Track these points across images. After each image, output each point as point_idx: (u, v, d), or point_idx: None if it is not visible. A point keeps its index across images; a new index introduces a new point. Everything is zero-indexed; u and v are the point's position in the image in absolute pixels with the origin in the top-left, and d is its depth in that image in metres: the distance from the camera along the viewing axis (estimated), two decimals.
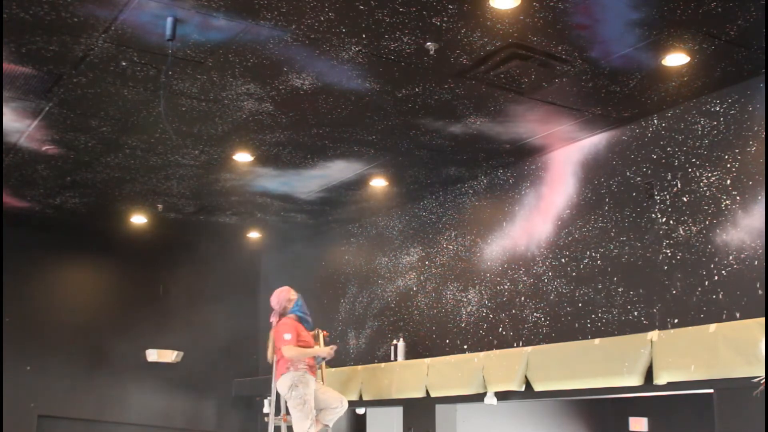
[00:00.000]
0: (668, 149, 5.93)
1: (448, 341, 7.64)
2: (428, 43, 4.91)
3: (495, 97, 5.77)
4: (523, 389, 5.88)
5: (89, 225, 9.26)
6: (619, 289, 6.12)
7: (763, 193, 5.26)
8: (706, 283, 5.53)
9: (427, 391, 6.75)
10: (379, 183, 7.80)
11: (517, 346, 6.80)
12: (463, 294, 7.59)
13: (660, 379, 4.96)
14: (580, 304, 6.42)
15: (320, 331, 7.20)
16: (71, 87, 5.60)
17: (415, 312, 8.15)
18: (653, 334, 5.06)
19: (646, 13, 4.57)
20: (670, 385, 4.94)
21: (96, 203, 8.48)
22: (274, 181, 7.78)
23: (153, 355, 9.07)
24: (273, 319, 6.77)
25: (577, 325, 6.39)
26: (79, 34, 4.82)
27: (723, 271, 5.44)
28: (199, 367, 10.08)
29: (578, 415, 7.69)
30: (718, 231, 5.51)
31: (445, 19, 4.62)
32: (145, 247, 9.97)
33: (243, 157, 7.04)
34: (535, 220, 6.98)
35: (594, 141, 6.52)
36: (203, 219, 9.17)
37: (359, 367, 7.82)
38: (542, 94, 5.71)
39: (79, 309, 9.72)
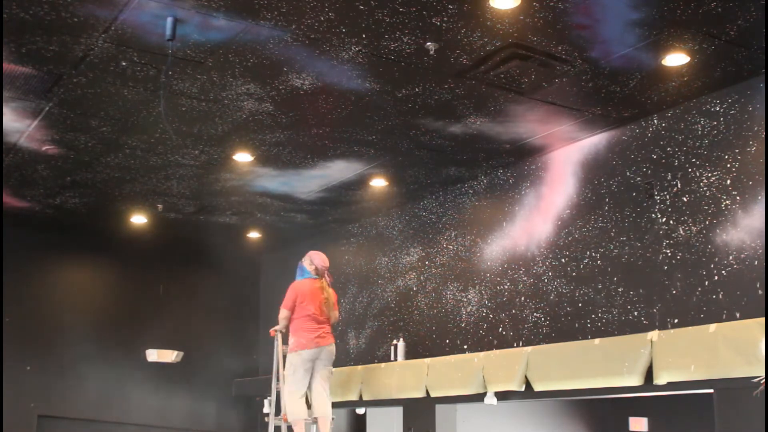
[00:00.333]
0: (668, 149, 5.93)
1: (448, 341, 7.64)
2: (428, 43, 4.91)
3: (495, 97, 5.77)
4: (523, 389, 5.87)
5: (89, 225, 9.27)
6: (619, 289, 6.12)
7: (763, 193, 5.25)
8: (706, 283, 5.52)
9: (427, 391, 6.74)
10: (379, 183, 7.80)
11: (517, 346, 6.80)
12: (463, 294, 7.58)
13: (660, 379, 4.95)
14: (580, 304, 6.42)
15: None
16: (71, 87, 5.60)
17: (415, 312, 8.15)
18: (653, 334, 5.05)
19: (646, 13, 4.57)
20: (670, 385, 4.93)
21: (96, 203, 8.47)
22: (274, 181, 7.77)
23: (153, 355, 9.05)
24: (329, 278, 6.93)
25: (577, 325, 6.39)
26: (79, 34, 4.81)
27: (723, 271, 5.43)
28: (199, 367, 10.09)
29: (578, 415, 7.68)
30: (718, 231, 5.51)
31: (445, 19, 4.62)
32: (145, 247, 9.97)
33: (243, 157, 7.04)
34: (535, 220, 6.98)
35: (594, 141, 6.52)
36: (203, 219, 9.17)
37: (359, 367, 7.81)
38: (542, 94, 5.70)
39: (79, 309, 9.71)
